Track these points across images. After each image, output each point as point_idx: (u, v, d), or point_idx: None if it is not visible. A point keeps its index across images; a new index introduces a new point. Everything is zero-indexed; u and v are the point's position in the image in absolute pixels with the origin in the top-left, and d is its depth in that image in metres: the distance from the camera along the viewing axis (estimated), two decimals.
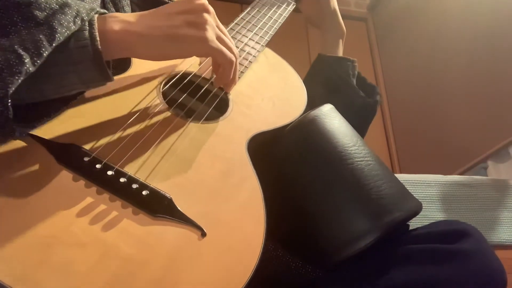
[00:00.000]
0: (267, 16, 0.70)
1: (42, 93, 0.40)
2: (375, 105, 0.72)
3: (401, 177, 0.95)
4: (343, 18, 0.80)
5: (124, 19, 0.43)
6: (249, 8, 0.70)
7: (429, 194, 0.99)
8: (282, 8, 0.73)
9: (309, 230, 0.52)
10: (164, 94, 0.53)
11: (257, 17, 0.69)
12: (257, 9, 0.70)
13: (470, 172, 1.39)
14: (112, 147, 0.44)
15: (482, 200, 1.00)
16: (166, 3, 0.63)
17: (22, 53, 0.35)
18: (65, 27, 0.38)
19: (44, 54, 0.36)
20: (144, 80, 0.53)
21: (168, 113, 0.51)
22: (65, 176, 0.40)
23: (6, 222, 0.36)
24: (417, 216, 0.52)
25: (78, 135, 0.44)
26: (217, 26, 0.48)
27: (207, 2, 0.47)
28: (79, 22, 0.39)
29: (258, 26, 0.67)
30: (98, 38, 0.40)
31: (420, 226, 0.55)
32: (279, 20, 0.70)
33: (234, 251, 0.41)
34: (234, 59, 0.49)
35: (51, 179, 0.39)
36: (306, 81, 0.66)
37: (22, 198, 0.37)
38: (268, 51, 0.68)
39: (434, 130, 1.57)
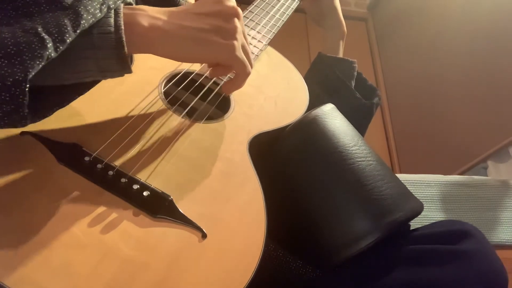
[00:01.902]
0: (270, 14, 0.70)
1: (56, 75, 0.38)
2: (372, 107, 0.72)
3: (401, 177, 0.95)
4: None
5: (153, 15, 0.41)
6: (251, 6, 0.70)
7: (429, 194, 0.99)
8: (285, 6, 0.73)
9: (310, 230, 0.52)
10: (166, 93, 0.53)
11: (260, 16, 0.69)
12: (259, 7, 0.70)
13: (470, 172, 1.39)
14: (113, 147, 0.44)
15: (482, 200, 1.00)
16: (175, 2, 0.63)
17: (45, 37, 0.33)
18: (91, 14, 0.36)
19: (68, 41, 0.34)
20: (146, 78, 0.53)
21: (169, 113, 0.50)
22: (66, 176, 0.40)
23: (6, 222, 0.35)
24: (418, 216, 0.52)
25: (79, 135, 0.43)
26: (243, 32, 0.46)
27: (236, 5, 0.45)
28: (105, 9, 0.37)
29: (261, 25, 0.67)
30: (123, 28, 0.38)
31: (421, 226, 0.55)
32: (282, 18, 0.70)
33: (235, 252, 0.41)
34: (251, 71, 0.47)
35: (51, 178, 0.39)
36: (305, 80, 0.66)
37: (22, 198, 0.37)
38: (270, 50, 0.68)
39: (434, 130, 1.57)
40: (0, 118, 0.33)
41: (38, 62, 0.33)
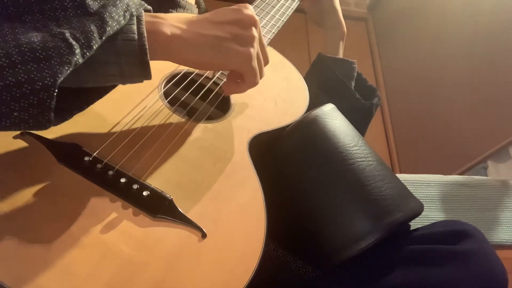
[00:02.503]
0: (270, 15, 0.70)
1: (79, 78, 0.38)
2: (371, 107, 0.72)
3: (401, 177, 0.95)
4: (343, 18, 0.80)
5: (175, 24, 0.42)
6: (252, 6, 0.70)
7: (429, 194, 0.99)
8: (285, 6, 0.73)
9: (310, 231, 0.52)
10: (166, 93, 0.53)
11: (260, 16, 0.69)
12: (259, 7, 0.70)
13: (470, 172, 1.39)
14: (113, 147, 0.44)
15: (482, 200, 1.00)
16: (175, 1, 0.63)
17: (73, 42, 0.33)
18: (116, 21, 0.37)
19: (94, 47, 0.35)
20: None
21: (169, 113, 0.50)
22: (66, 175, 0.40)
23: (6, 222, 0.35)
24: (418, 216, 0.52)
25: (79, 135, 0.43)
26: (260, 40, 0.47)
27: (255, 13, 0.45)
28: (128, 16, 0.38)
29: (261, 25, 0.67)
30: (145, 35, 0.39)
31: (421, 226, 0.55)
32: (282, 19, 0.70)
33: (235, 252, 0.41)
34: (259, 82, 0.47)
35: (51, 178, 0.39)
36: (305, 81, 0.66)
37: (22, 198, 0.37)
38: (270, 50, 0.68)
39: (434, 130, 1.57)
40: (26, 120, 0.33)
41: (66, 68, 0.33)
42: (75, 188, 0.40)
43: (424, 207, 0.53)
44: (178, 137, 0.48)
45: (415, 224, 0.54)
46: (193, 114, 0.52)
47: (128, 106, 0.48)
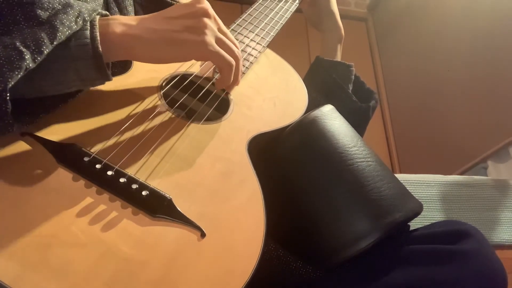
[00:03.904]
0: (268, 17, 0.70)
1: (41, 88, 0.41)
2: (368, 110, 0.72)
3: (401, 177, 0.95)
4: (343, 18, 0.81)
5: (125, 22, 0.44)
6: (250, 9, 0.70)
7: (429, 194, 0.99)
8: (283, 9, 0.73)
9: (310, 231, 0.52)
10: (165, 95, 0.53)
11: (259, 18, 0.69)
12: (258, 10, 0.70)
13: (470, 172, 1.39)
14: (112, 148, 0.44)
15: (482, 200, 1.00)
16: (169, 3, 0.64)
17: (23, 49, 0.36)
18: (67, 27, 0.38)
19: (45, 52, 0.37)
20: (145, 80, 0.53)
21: (168, 114, 0.50)
22: (65, 176, 0.40)
23: (6, 221, 0.35)
24: (418, 216, 0.52)
25: (79, 135, 0.44)
26: (219, 29, 0.48)
27: (208, 6, 0.47)
28: (80, 22, 0.40)
29: (260, 27, 0.67)
30: (98, 38, 0.40)
31: (421, 226, 0.55)
32: (281, 21, 0.70)
33: (234, 252, 0.41)
34: (233, 62, 0.49)
35: (51, 179, 0.39)
36: (303, 83, 0.66)
37: (21, 198, 0.37)
38: (269, 52, 0.68)
39: (434, 130, 1.57)
40: None
41: (17, 73, 0.35)
42: (74, 188, 0.40)
43: (424, 207, 0.53)
44: (178, 137, 0.48)
45: (415, 224, 0.54)
46: (192, 115, 0.53)
47: (127, 108, 0.49)
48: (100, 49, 0.40)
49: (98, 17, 0.42)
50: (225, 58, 0.48)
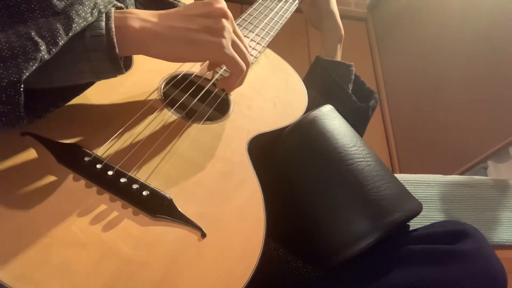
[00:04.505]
0: (268, 17, 0.70)
1: (51, 78, 0.40)
2: (367, 109, 0.72)
3: (401, 177, 0.95)
4: (343, 18, 0.81)
5: (144, 17, 0.43)
6: (250, 9, 0.70)
7: (429, 194, 0.99)
8: (283, 9, 0.73)
9: (309, 231, 0.52)
10: (166, 95, 0.53)
11: (259, 18, 0.69)
12: (258, 10, 0.70)
13: (470, 172, 1.39)
14: (113, 147, 0.44)
15: (482, 200, 1.00)
16: (171, 2, 0.63)
17: (38, 40, 0.35)
18: (82, 18, 0.38)
19: (60, 43, 0.36)
20: (146, 80, 0.53)
21: (169, 114, 0.50)
22: (66, 176, 0.40)
23: (6, 221, 0.36)
24: (417, 216, 0.52)
25: (79, 135, 0.44)
26: (234, 32, 0.48)
27: (226, 6, 0.46)
28: (96, 13, 0.39)
29: (260, 27, 0.67)
30: (114, 30, 0.40)
31: (420, 226, 0.55)
32: (281, 21, 0.70)
33: (234, 252, 0.41)
34: (245, 68, 0.48)
35: (51, 179, 0.39)
36: (303, 83, 0.66)
37: (22, 198, 0.37)
38: (269, 52, 0.68)
39: (434, 130, 1.57)
40: None
41: (31, 64, 0.34)
42: (75, 188, 0.40)
43: (424, 207, 0.53)
44: (178, 137, 0.48)
45: (414, 224, 0.54)
46: (192, 115, 0.53)
47: (127, 107, 0.49)
48: (115, 41, 0.39)
49: (113, 9, 0.41)
50: (238, 64, 0.47)
